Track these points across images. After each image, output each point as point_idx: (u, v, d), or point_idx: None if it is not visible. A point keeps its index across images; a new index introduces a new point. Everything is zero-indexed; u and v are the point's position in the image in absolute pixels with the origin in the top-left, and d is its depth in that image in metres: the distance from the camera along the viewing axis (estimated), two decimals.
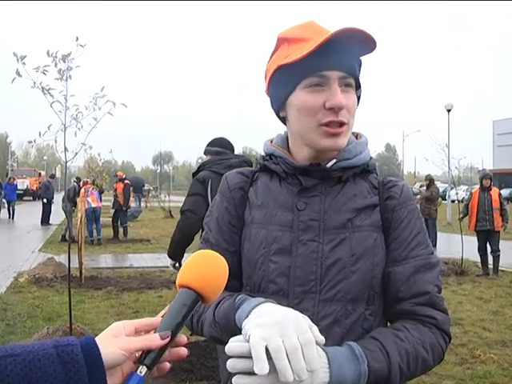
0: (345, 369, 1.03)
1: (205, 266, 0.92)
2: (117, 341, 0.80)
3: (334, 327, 1.17)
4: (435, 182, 13.69)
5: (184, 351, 0.88)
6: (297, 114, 1.23)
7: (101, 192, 14.78)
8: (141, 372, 0.80)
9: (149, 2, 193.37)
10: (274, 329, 0.95)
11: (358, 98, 1.28)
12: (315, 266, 1.20)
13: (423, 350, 1.14)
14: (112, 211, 16.13)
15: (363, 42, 1.16)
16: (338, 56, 1.17)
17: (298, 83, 1.21)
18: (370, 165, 1.32)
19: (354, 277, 1.19)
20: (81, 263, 8.38)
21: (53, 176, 22.36)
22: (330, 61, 1.17)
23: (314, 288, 1.19)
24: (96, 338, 0.79)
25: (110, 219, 15.96)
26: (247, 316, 1.05)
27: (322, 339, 0.98)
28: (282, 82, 1.24)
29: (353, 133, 1.37)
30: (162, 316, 0.89)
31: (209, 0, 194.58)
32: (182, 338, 0.88)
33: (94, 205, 14.27)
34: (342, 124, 1.19)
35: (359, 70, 1.25)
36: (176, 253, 4.19)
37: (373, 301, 1.22)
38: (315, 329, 0.98)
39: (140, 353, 0.82)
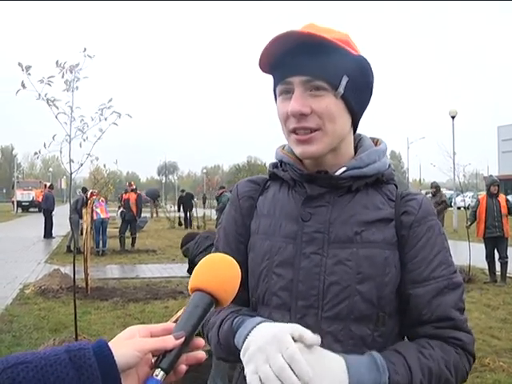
0: (364, 378, 1.00)
1: (216, 269, 0.91)
2: (130, 342, 0.80)
3: (335, 346, 1.09)
4: (441, 189, 13.72)
5: (202, 355, 0.86)
6: (280, 122, 1.22)
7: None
8: (157, 375, 0.79)
9: (153, 12, 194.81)
10: (258, 357, 0.98)
11: (363, 96, 1.21)
12: (317, 281, 1.14)
13: (447, 370, 1.09)
14: (119, 222, 16.15)
15: (317, 41, 1.11)
16: (300, 60, 1.12)
17: (276, 92, 1.21)
18: (385, 174, 1.23)
19: (358, 296, 1.12)
20: (87, 274, 8.38)
21: (52, 186, 21.69)
22: (291, 66, 1.14)
23: (315, 303, 1.13)
24: (110, 342, 0.79)
25: (117, 230, 15.98)
26: (243, 342, 1.06)
27: (316, 339, 0.98)
28: (273, 93, 1.24)
29: (373, 139, 1.31)
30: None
31: (215, 1, 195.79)
32: (199, 340, 0.86)
33: (103, 216, 14.30)
34: (312, 130, 1.14)
35: (344, 68, 1.14)
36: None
37: (383, 322, 1.14)
38: (307, 332, 0.98)
39: (156, 357, 0.81)
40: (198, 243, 4.42)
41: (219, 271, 0.91)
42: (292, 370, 0.93)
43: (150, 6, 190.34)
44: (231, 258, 0.95)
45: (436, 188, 13.05)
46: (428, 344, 1.12)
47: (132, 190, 15.89)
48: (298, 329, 0.99)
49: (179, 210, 23.86)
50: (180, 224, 23.21)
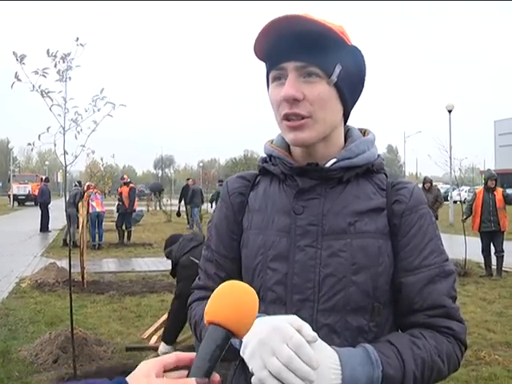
0: (358, 373, 1.00)
1: (233, 300, 0.86)
2: (148, 381, 0.77)
3: (333, 338, 1.09)
4: (435, 183, 13.65)
5: None
6: (272, 109, 1.20)
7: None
8: None
9: (151, 5, 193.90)
10: (263, 351, 0.94)
11: (357, 85, 1.21)
12: (313, 274, 1.13)
13: (439, 359, 1.10)
14: (116, 215, 16.13)
15: (314, 28, 1.10)
16: (295, 45, 1.11)
17: (269, 78, 1.20)
18: (375, 164, 1.23)
19: (353, 287, 1.12)
20: (83, 268, 8.37)
21: (48, 179, 21.34)
22: (286, 51, 1.12)
23: (311, 296, 1.13)
24: (127, 379, 0.76)
25: (114, 224, 15.96)
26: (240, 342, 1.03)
27: (313, 336, 0.96)
28: (266, 80, 1.23)
29: (360, 129, 1.31)
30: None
31: (214, 0, 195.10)
32: (215, 377, 0.82)
33: (98, 209, 14.28)
34: (303, 117, 1.13)
35: (338, 57, 1.14)
36: (171, 337, 4.45)
37: (378, 312, 1.14)
38: (305, 327, 0.97)
39: None
40: (182, 245, 4.38)
41: (235, 303, 0.85)
42: (300, 358, 0.92)
43: (149, 2, 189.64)
44: (247, 285, 0.90)
45: (430, 183, 12.95)
46: (421, 334, 1.12)
47: (125, 184, 15.84)
48: (296, 321, 0.97)
49: (180, 202, 21.18)
50: (178, 215, 20.71)
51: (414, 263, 1.16)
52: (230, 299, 0.86)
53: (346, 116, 1.24)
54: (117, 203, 15.99)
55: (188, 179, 22.38)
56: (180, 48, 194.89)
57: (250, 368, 0.98)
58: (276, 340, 0.94)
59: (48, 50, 4.00)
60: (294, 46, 1.12)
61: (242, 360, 1.20)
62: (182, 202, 20.21)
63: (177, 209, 21.32)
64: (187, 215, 20.38)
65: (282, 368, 0.91)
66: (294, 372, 0.91)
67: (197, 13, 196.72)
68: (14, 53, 3.77)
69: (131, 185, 15.89)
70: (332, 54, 1.13)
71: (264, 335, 0.96)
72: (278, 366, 0.92)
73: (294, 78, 1.12)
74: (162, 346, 4.42)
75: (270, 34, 1.11)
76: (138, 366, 0.81)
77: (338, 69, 1.14)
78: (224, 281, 1.28)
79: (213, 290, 1.29)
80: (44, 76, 3.90)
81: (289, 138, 1.17)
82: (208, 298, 1.29)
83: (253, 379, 0.96)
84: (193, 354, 0.82)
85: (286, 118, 1.15)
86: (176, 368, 0.82)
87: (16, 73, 3.78)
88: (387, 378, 1.03)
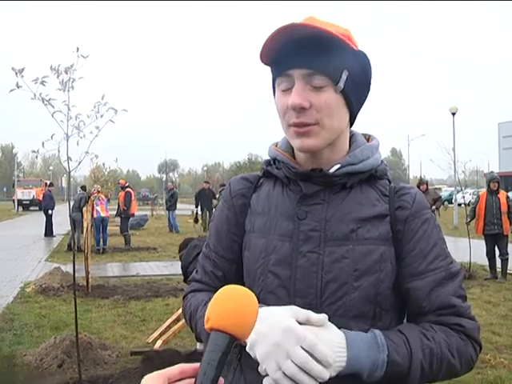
0: (362, 356, 1.03)
1: (234, 305, 0.84)
2: None
3: None
4: (439, 186, 13.58)
5: None
6: (278, 115, 1.20)
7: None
8: None
9: (154, 9, 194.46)
10: (278, 354, 0.98)
11: (361, 92, 1.20)
12: (315, 280, 1.13)
13: (449, 352, 1.10)
14: (117, 219, 16.23)
15: (319, 35, 1.09)
16: (301, 53, 1.11)
17: (275, 85, 1.20)
18: (378, 170, 1.23)
19: (355, 293, 1.12)
20: (87, 272, 8.38)
21: (52, 184, 21.39)
22: (292, 59, 1.12)
23: (314, 301, 1.13)
24: None
25: (117, 228, 16.00)
26: None
27: (322, 318, 1.02)
28: (272, 85, 1.23)
29: (364, 135, 1.31)
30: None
31: (217, 0, 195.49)
32: (220, 381, 0.81)
33: (103, 214, 14.32)
34: (310, 124, 1.13)
35: (345, 63, 1.13)
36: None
37: (379, 318, 1.15)
38: (312, 316, 1.02)
39: None
40: (188, 253, 4.40)
41: (237, 307, 0.84)
42: (314, 357, 0.96)
43: (149, 5, 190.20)
44: (246, 289, 0.88)
45: (426, 184, 12.88)
46: (431, 327, 1.13)
47: (122, 188, 16.03)
48: (299, 312, 1.02)
49: (197, 206, 19.69)
50: (196, 221, 18.33)
51: (419, 268, 1.16)
52: (231, 305, 0.84)
53: (351, 120, 1.24)
54: (116, 207, 16.12)
55: (206, 182, 21.70)
56: (184, 53, 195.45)
57: (263, 368, 1.00)
58: (290, 342, 0.97)
59: (51, 66, 4.04)
60: (300, 54, 1.11)
61: (240, 361, 1.21)
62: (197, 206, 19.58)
63: (195, 212, 19.27)
64: (203, 220, 19.52)
65: (297, 370, 0.95)
66: (308, 372, 0.95)
67: (201, 19, 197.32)
68: (12, 68, 3.81)
69: (127, 189, 15.96)
70: (338, 61, 1.13)
71: (278, 339, 0.99)
72: (293, 368, 0.95)
73: (301, 86, 1.12)
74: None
75: (276, 42, 1.11)
76: (142, 381, 0.80)
77: (344, 75, 1.13)
78: (220, 279, 1.30)
79: (208, 285, 1.31)
80: (43, 84, 3.93)
81: (295, 144, 1.17)
82: (202, 290, 1.31)
83: (265, 380, 0.99)
84: (196, 365, 0.82)
85: (294, 124, 1.15)
86: (180, 380, 0.82)
87: (17, 83, 3.81)
88: (393, 364, 1.04)
